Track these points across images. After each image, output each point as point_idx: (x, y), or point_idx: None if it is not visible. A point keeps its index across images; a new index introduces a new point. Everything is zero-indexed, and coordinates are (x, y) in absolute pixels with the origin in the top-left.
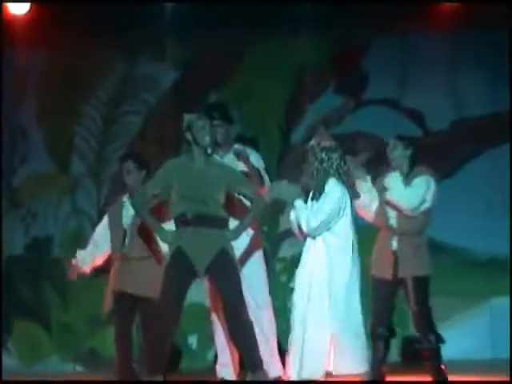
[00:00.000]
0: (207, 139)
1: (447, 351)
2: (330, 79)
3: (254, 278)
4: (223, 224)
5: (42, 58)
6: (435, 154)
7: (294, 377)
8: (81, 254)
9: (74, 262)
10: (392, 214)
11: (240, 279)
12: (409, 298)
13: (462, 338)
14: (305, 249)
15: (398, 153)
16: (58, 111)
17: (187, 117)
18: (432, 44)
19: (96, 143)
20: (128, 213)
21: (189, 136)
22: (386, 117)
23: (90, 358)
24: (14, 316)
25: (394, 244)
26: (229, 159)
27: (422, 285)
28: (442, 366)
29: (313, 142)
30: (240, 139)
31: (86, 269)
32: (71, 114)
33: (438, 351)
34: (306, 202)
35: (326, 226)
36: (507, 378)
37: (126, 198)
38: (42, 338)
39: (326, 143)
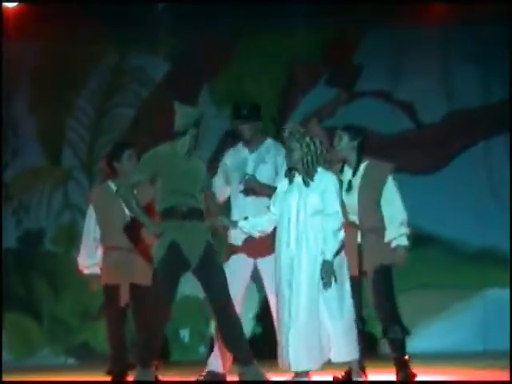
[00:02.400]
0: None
1: (440, 343)
2: (323, 72)
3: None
4: (202, 216)
5: (34, 50)
6: (428, 146)
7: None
8: (86, 260)
9: (85, 270)
10: (352, 210)
11: (225, 273)
12: (373, 289)
13: (454, 329)
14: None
15: (344, 143)
16: (49, 104)
17: (198, 111)
18: (424, 36)
19: (88, 135)
20: (112, 199)
21: (194, 131)
22: (379, 109)
23: (82, 350)
24: (5, 309)
25: (358, 239)
26: (258, 154)
27: (385, 274)
28: (406, 357)
29: (291, 127)
30: (233, 133)
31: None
32: (63, 107)
33: (402, 342)
34: (290, 183)
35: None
36: (507, 378)
37: (112, 184)
38: (33, 331)
39: (304, 129)
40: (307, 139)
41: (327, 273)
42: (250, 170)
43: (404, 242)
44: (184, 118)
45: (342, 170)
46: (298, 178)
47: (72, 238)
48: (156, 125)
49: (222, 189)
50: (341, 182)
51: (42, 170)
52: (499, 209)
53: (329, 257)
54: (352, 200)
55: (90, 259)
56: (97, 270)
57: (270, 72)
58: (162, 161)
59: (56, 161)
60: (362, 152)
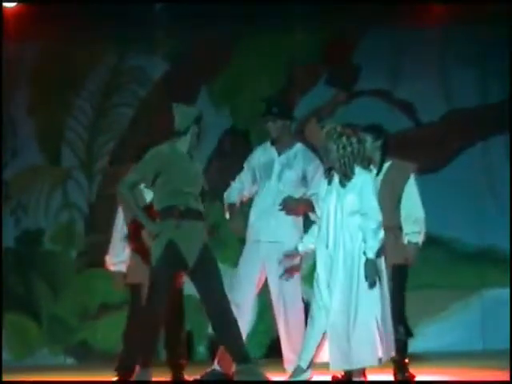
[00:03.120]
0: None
1: (439, 343)
2: (322, 71)
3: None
4: (202, 218)
5: (33, 50)
6: (427, 146)
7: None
8: (113, 258)
9: (112, 267)
10: None
11: (221, 275)
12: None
13: (453, 329)
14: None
15: (368, 144)
16: (48, 103)
17: (197, 109)
18: (424, 37)
19: (87, 135)
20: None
21: (195, 128)
22: (378, 108)
23: (81, 350)
24: (4, 309)
25: None
26: (286, 158)
27: (400, 273)
28: (406, 360)
29: (329, 127)
30: (232, 132)
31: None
32: (62, 106)
33: (405, 344)
34: (329, 183)
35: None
36: (507, 378)
37: None
38: (32, 331)
39: (343, 129)
40: (344, 139)
41: (371, 272)
42: (275, 173)
43: (416, 239)
44: (184, 116)
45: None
46: (336, 179)
47: (71, 238)
48: (155, 124)
49: (249, 185)
50: None
51: (41, 169)
52: (498, 209)
53: (371, 255)
54: None
55: (116, 257)
56: (123, 268)
57: (269, 72)
58: (164, 160)
59: (55, 160)
60: (385, 152)
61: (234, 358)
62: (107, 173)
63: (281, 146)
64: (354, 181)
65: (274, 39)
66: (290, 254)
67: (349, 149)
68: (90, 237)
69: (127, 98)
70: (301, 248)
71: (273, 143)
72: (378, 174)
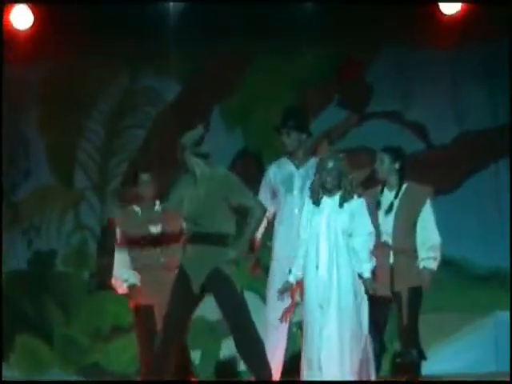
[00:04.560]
0: (205, 148)
1: (452, 365)
2: (334, 93)
3: None
4: (221, 240)
5: (45, 70)
6: (438, 168)
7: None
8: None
9: (123, 290)
10: (386, 231)
11: (238, 296)
12: (402, 311)
13: (466, 351)
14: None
15: (386, 166)
16: (60, 125)
17: (197, 131)
18: (434, 57)
19: (99, 156)
20: (137, 222)
21: (196, 150)
22: (390, 130)
23: (93, 372)
24: (16, 330)
25: (391, 259)
26: (306, 171)
27: (415, 296)
28: (418, 379)
29: (321, 157)
30: (244, 153)
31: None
32: (74, 128)
33: (418, 366)
34: (316, 203)
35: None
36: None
37: (137, 208)
38: (44, 353)
39: (333, 157)
40: (331, 166)
41: (370, 288)
42: (297, 186)
43: (430, 265)
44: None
45: (382, 191)
46: (328, 200)
47: (83, 259)
48: (167, 146)
49: (269, 204)
50: (379, 203)
51: (54, 190)
52: (508, 230)
53: (369, 275)
54: (388, 221)
55: (122, 277)
56: (134, 282)
57: (280, 93)
58: (182, 189)
59: (67, 182)
60: (403, 174)
61: (255, 376)
62: (120, 194)
63: (297, 159)
64: (351, 202)
65: (285, 60)
66: (284, 289)
67: (335, 178)
68: (102, 258)
69: (139, 119)
70: (292, 279)
71: (288, 157)
72: (396, 197)
